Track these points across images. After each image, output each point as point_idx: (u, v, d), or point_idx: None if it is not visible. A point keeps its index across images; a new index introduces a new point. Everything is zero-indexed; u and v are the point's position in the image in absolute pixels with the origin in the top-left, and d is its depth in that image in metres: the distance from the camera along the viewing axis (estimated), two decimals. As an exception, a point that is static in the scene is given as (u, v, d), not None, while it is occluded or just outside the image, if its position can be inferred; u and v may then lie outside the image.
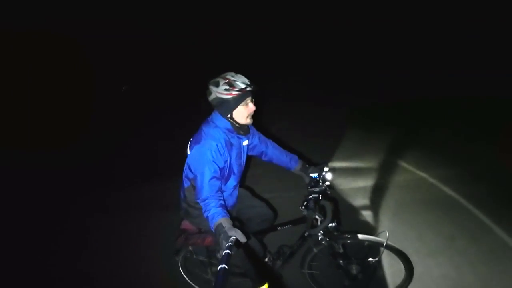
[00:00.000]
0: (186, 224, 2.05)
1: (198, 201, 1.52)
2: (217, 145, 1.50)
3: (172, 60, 9.11)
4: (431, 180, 3.20)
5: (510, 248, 2.29)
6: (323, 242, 1.76)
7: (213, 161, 1.47)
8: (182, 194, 1.81)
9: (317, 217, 1.61)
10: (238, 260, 1.68)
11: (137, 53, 8.60)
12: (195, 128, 1.67)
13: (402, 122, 4.70)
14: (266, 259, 2.01)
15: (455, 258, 2.24)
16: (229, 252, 1.21)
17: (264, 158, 1.88)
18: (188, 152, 1.60)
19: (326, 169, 1.74)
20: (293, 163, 1.86)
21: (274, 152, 1.85)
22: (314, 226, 1.70)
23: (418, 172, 3.38)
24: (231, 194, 1.78)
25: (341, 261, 1.82)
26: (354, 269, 1.85)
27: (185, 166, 1.70)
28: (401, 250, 1.76)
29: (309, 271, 1.97)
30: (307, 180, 1.82)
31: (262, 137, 1.84)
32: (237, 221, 1.79)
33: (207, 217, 1.44)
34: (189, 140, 1.65)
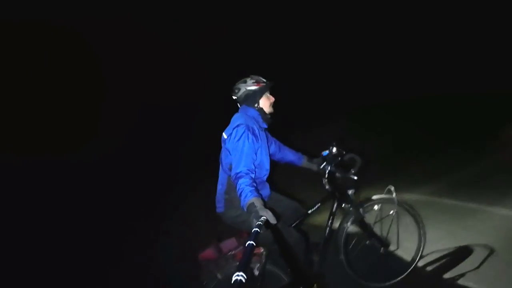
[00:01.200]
0: (207, 253, 1.86)
1: (233, 177, 1.55)
2: (252, 127, 1.68)
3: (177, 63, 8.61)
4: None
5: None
6: (350, 211, 1.91)
7: (250, 139, 1.61)
8: (222, 187, 1.79)
9: (344, 174, 1.82)
10: (267, 242, 1.65)
11: (146, 54, 7.90)
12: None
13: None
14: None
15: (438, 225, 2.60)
16: (258, 230, 1.21)
17: (276, 157, 2.04)
18: (225, 136, 1.71)
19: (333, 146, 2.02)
20: (301, 158, 2.07)
21: (284, 151, 2.06)
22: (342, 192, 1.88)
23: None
24: (264, 185, 1.83)
25: (371, 226, 1.94)
26: (382, 233, 1.97)
27: (223, 156, 1.77)
28: (407, 202, 2.04)
29: (345, 257, 1.95)
30: (316, 167, 2.02)
31: (275, 139, 2.06)
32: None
33: (240, 195, 1.48)
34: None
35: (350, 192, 1.92)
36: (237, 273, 0.90)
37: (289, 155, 2.06)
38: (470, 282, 1.91)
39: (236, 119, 1.75)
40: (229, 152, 1.67)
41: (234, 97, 1.84)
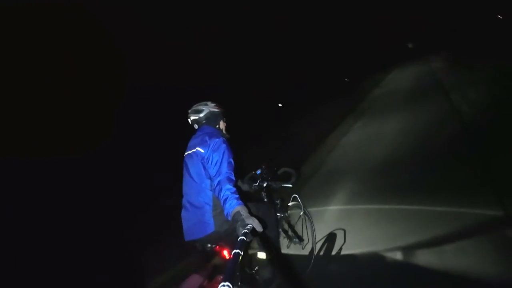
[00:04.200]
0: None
1: (215, 185, 1.64)
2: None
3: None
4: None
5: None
6: (280, 217, 2.44)
7: (228, 148, 1.79)
8: (208, 207, 1.77)
9: (282, 184, 2.32)
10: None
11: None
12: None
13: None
14: None
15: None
16: (244, 238, 1.26)
17: None
18: (202, 150, 1.78)
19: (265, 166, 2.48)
20: None
21: None
22: (275, 202, 2.36)
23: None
24: None
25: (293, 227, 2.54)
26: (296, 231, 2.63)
27: (197, 174, 1.80)
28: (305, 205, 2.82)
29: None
30: (247, 187, 2.40)
31: None
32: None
33: (224, 201, 1.57)
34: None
35: (278, 201, 2.47)
36: (222, 283, 0.88)
37: None
38: (347, 251, 2.86)
39: (205, 135, 1.86)
40: (207, 163, 1.75)
41: (194, 118, 1.97)
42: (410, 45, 33.26)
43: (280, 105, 16.16)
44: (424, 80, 12.00)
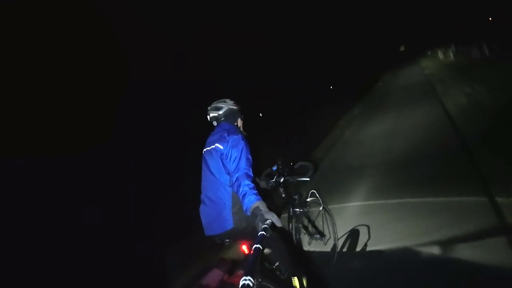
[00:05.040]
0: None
1: (233, 180, 1.64)
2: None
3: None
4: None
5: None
6: (299, 213, 2.39)
7: (247, 145, 1.79)
8: (227, 203, 1.76)
9: (298, 178, 2.28)
10: (274, 243, 1.84)
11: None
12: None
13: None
14: None
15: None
16: (264, 233, 1.28)
17: None
18: (221, 147, 1.79)
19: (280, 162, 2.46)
20: None
21: None
22: (293, 198, 2.32)
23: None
24: None
25: (313, 222, 2.48)
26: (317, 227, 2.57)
27: (217, 171, 1.80)
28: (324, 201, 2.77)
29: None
30: (265, 184, 2.38)
31: None
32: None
33: (242, 197, 1.56)
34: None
35: (296, 197, 2.43)
36: (244, 278, 0.88)
37: None
38: (371, 247, 2.76)
39: (223, 132, 1.88)
40: (226, 159, 1.76)
41: (214, 115, 1.99)
42: (402, 48, 32.40)
43: (261, 114, 16.52)
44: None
